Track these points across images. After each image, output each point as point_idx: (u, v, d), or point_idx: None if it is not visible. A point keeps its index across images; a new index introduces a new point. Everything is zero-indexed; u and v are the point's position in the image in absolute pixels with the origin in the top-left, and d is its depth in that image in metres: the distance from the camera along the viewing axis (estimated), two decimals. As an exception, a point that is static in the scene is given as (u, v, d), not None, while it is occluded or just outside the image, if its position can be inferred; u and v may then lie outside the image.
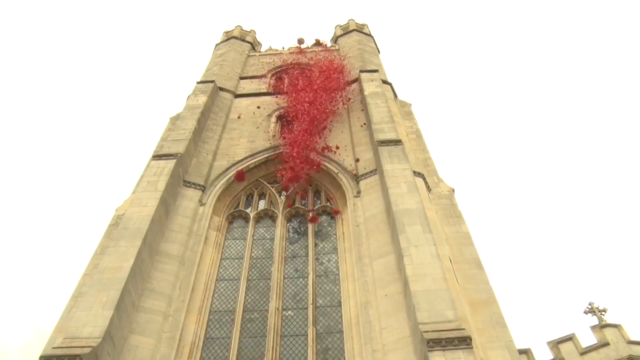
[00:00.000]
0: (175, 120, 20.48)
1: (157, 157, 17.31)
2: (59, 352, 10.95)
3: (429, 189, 16.06)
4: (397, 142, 16.70)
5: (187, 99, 21.67)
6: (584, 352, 13.08)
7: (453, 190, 16.68)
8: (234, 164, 18.44)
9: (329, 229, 16.02)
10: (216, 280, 14.86)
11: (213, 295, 14.37)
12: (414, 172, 15.54)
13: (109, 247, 13.62)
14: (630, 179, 54.56)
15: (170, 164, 16.71)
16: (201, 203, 16.71)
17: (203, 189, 17.25)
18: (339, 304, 13.52)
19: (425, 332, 10.59)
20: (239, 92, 23.94)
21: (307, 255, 15.24)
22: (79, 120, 73.53)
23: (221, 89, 23.35)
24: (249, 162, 18.61)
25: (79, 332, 11.41)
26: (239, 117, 21.50)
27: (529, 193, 58.86)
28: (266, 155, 18.86)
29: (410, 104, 22.36)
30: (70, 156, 65.90)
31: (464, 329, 10.73)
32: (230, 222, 17.12)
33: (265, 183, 18.12)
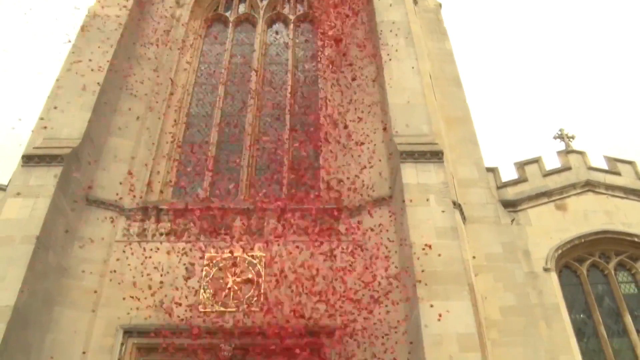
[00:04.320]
0: None
1: (131, -50, 15.93)
2: (39, 152, 11.09)
3: (415, 2, 15.39)
4: (383, -51, 15.54)
5: None
6: (547, 174, 13.72)
7: (440, 6, 16.06)
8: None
9: (310, 36, 15.55)
10: (194, 85, 14.71)
11: (191, 100, 14.35)
12: (401, -18, 14.69)
13: (84, 49, 13.18)
14: (607, 6, 52.59)
15: (144, -42, 15.46)
16: (179, 5, 15.87)
17: (180, -12, 16.21)
18: (318, 109, 13.59)
19: (399, 144, 10.92)
20: None
21: (287, 62, 14.99)
22: None
23: None
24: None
25: (58, 133, 11.52)
26: None
27: (512, 16, 56.86)
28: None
29: None
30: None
31: (437, 144, 11.08)
32: (209, 26, 16.41)
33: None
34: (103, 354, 9.76)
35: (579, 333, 11.70)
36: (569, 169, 13.91)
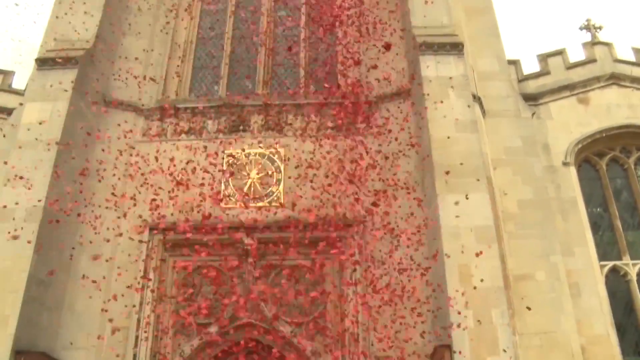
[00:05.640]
0: None
1: None
2: (53, 55, 11.03)
3: None
4: None
5: None
6: (571, 67, 13.31)
7: None
8: None
9: None
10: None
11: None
12: None
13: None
14: None
15: None
16: None
17: None
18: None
19: (418, 35, 10.65)
20: None
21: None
22: None
23: None
24: None
25: (70, 36, 11.39)
26: None
27: None
28: None
29: None
30: None
31: (457, 35, 10.77)
32: None
33: None
34: (131, 251, 10.13)
35: (595, 226, 11.85)
36: (594, 61, 13.48)
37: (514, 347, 8.37)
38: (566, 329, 9.96)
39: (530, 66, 13.39)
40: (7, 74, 13.37)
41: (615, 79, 13.19)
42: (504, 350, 8.06)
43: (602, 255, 11.44)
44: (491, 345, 8.08)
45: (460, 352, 7.98)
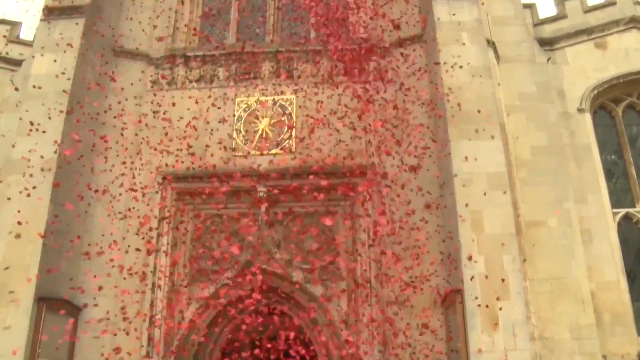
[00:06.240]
0: None
1: None
2: (59, 4, 10.82)
3: None
4: None
5: None
6: (588, 10, 12.89)
7: None
8: None
9: None
10: None
11: None
12: None
13: None
14: None
15: None
16: None
17: None
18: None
19: None
20: None
21: None
22: None
23: None
24: None
25: (74, -16, 11.14)
26: None
27: None
28: None
29: None
30: None
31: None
32: None
33: None
34: (145, 199, 10.17)
35: (609, 173, 11.76)
36: (613, 4, 13.02)
37: (524, 292, 8.45)
38: (577, 275, 10.02)
39: (547, 10, 13.07)
40: (14, 25, 13.20)
41: (635, 23, 12.77)
42: (515, 295, 8.14)
43: (615, 203, 11.39)
44: (502, 291, 8.15)
45: (471, 297, 8.09)
